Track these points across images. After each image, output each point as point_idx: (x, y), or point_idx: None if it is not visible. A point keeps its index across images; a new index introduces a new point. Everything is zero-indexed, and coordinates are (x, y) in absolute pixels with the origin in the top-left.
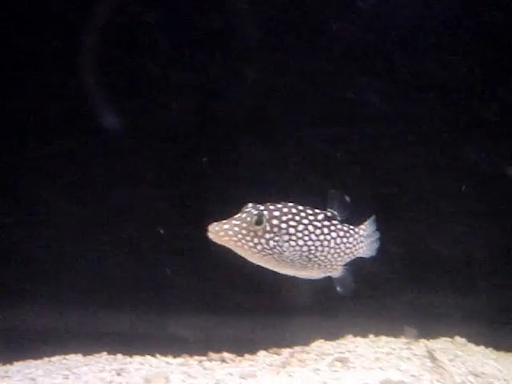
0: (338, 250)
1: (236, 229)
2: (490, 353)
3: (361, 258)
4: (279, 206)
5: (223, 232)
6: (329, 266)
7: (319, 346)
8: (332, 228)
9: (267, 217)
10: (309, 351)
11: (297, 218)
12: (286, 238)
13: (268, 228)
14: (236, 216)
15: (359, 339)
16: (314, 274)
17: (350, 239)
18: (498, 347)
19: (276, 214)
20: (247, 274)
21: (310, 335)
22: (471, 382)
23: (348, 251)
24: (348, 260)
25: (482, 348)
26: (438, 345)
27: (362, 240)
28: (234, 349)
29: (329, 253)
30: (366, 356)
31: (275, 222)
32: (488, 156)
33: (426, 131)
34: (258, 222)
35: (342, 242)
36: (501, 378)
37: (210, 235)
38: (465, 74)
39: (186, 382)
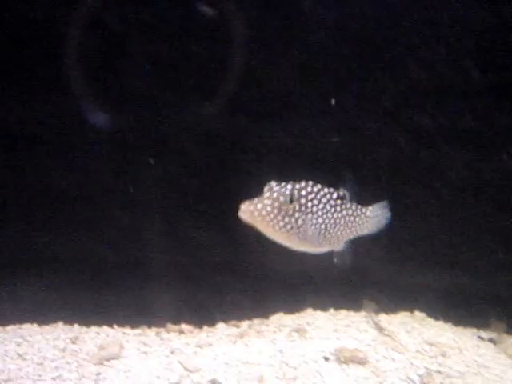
0: (346, 228)
1: (268, 208)
2: (448, 327)
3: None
4: (303, 184)
5: (257, 212)
6: (335, 242)
7: (279, 318)
8: (343, 207)
9: (297, 196)
10: (268, 324)
11: (318, 196)
12: (310, 216)
13: (297, 207)
14: (265, 195)
15: (319, 313)
16: (323, 250)
17: (357, 218)
18: (456, 323)
19: (303, 193)
20: (210, 249)
21: (270, 309)
22: (425, 350)
23: (353, 229)
24: (352, 237)
25: (440, 323)
26: (397, 319)
27: (367, 220)
28: (193, 321)
29: (339, 230)
30: (324, 328)
31: (303, 201)
32: None
33: None
34: (291, 201)
35: (350, 221)
36: (455, 348)
37: (243, 215)
38: None
39: (141, 350)
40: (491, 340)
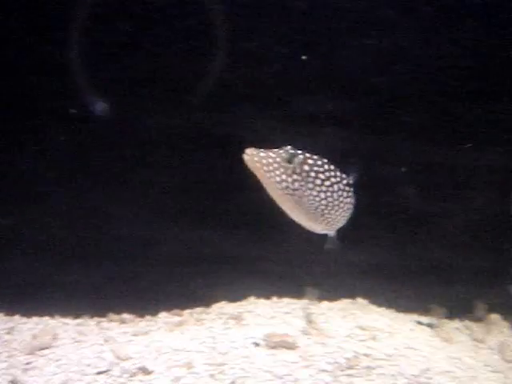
0: (345, 215)
1: (270, 160)
2: (388, 313)
3: None
4: (316, 157)
5: (258, 158)
6: (333, 226)
7: (221, 307)
8: (349, 194)
9: (300, 160)
10: (209, 312)
11: (327, 173)
12: (311, 186)
13: (298, 170)
14: (274, 150)
15: (262, 301)
16: (318, 228)
17: (352, 208)
18: (398, 309)
19: (310, 161)
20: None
21: (214, 297)
22: (356, 334)
23: (348, 217)
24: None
25: (382, 309)
26: (338, 305)
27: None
28: (135, 310)
29: (340, 215)
30: (262, 315)
31: (306, 167)
32: None
33: None
34: (290, 161)
35: (349, 209)
36: (386, 332)
37: (246, 157)
38: None
39: (75, 339)
40: (429, 325)
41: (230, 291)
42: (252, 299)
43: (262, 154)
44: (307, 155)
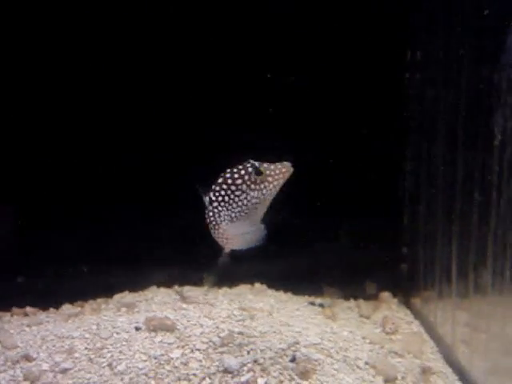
0: None
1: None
2: (284, 296)
3: None
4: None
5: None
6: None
7: (122, 296)
8: None
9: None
10: (110, 302)
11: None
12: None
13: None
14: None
15: (162, 289)
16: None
17: None
18: (296, 292)
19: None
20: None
21: (117, 287)
22: (235, 314)
23: None
24: None
25: (279, 293)
26: (235, 291)
27: None
28: (40, 303)
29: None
30: (157, 303)
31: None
32: None
33: None
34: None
35: None
36: (266, 311)
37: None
38: None
39: None
40: (321, 305)
41: (132, 282)
42: (153, 288)
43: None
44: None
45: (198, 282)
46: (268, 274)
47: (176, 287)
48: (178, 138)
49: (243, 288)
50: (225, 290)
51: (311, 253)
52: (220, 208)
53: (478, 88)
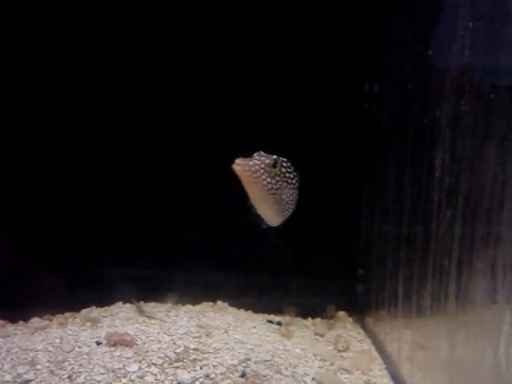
0: (292, 207)
1: (256, 167)
2: (243, 314)
3: None
4: (284, 159)
5: (247, 167)
6: (283, 218)
7: (89, 311)
8: (296, 186)
9: (280, 163)
10: (77, 316)
11: (289, 171)
12: (285, 185)
13: (278, 172)
14: (255, 157)
15: (128, 305)
16: (278, 221)
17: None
18: (257, 310)
19: (284, 164)
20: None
21: (84, 303)
22: (192, 331)
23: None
24: None
25: (240, 310)
26: (197, 308)
27: None
28: (8, 317)
29: (292, 206)
30: (121, 318)
31: (283, 169)
32: None
33: None
34: (274, 166)
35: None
36: (222, 328)
37: (236, 167)
38: None
39: None
40: (279, 323)
41: (99, 297)
42: (120, 304)
43: (250, 163)
44: (281, 158)
45: (161, 299)
46: (229, 291)
47: (141, 303)
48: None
49: (205, 306)
50: (187, 307)
51: (273, 272)
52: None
53: (423, 122)
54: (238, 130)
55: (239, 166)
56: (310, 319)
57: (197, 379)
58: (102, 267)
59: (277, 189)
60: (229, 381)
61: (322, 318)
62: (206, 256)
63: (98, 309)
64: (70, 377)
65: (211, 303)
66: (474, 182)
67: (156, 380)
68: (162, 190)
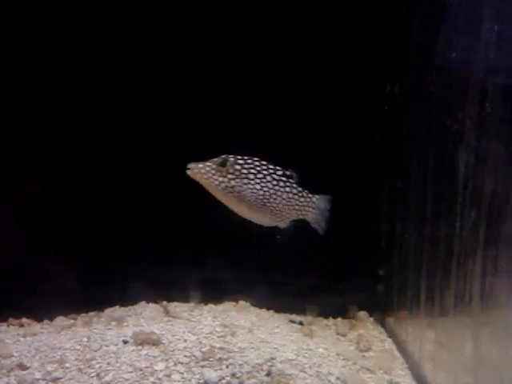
0: (289, 205)
1: (207, 168)
2: (265, 314)
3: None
4: (246, 157)
5: (197, 170)
6: (279, 216)
7: (113, 311)
8: (287, 184)
9: (231, 162)
10: (102, 316)
11: (257, 168)
12: (245, 181)
13: (231, 170)
14: (210, 159)
15: (151, 305)
16: (266, 220)
17: (301, 199)
18: (279, 310)
19: (240, 162)
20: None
21: (109, 302)
22: (217, 331)
23: (297, 208)
24: (295, 217)
25: (262, 310)
26: (220, 308)
27: (311, 206)
28: (34, 316)
29: (280, 203)
30: (146, 317)
31: (237, 167)
32: None
33: None
34: (222, 165)
35: (294, 199)
36: (246, 328)
37: (188, 171)
38: None
39: None
40: (301, 322)
41: (124, 297)
42: (143, 304)
43: (200, 166)
44: (237, 157)
45: (185, 299)
46: (252, 291)
47: (164, 303)
48: None
49: (228, 305)
50: (210, 306)
51: (294, 272)
52: None
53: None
54: (257, 132)
55: (190, 170)
56: (331, 319)
57: (223, 378)
58: (125, 266)
59: (232, 186)
60: (255, 380)
61: (343, 318)
62: (228, 255)
63: (122, 308)
64: (98, 375)
65: (233, 303)
66: (498, 183)
67: (183, 378)
68: (185, 188)
